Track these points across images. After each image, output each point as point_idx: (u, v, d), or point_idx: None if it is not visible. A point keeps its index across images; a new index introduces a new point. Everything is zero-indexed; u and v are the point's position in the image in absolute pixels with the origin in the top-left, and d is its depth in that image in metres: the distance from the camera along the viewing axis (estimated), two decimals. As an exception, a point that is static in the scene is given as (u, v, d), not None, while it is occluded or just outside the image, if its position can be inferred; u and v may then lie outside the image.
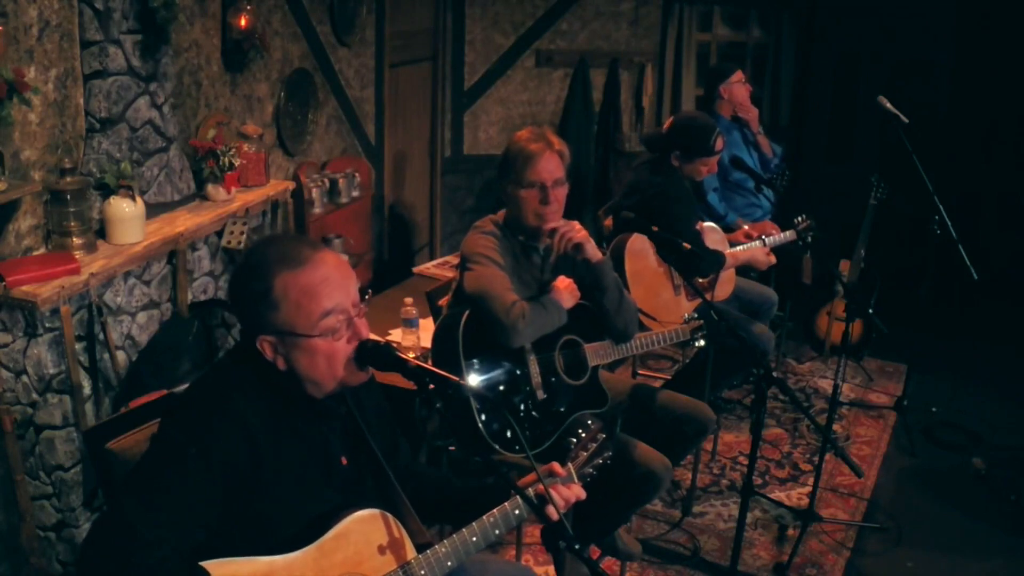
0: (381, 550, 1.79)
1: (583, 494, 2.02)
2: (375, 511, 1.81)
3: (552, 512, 1.90)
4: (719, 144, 3.75)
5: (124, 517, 1.61)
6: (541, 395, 2.79)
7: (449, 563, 1.84)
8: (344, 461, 1.86)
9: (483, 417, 2.64)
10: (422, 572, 1.81)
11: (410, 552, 1.83)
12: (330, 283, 1.74)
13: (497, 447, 2.66)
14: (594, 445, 2.13)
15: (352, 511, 1.77)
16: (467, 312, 2.73)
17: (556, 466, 2.03)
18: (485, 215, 2.95)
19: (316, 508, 1.78)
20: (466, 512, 1.91)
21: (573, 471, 2.09)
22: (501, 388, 2.73)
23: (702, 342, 3.14)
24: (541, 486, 1.92)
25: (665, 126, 3.85)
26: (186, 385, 1.93)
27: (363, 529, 1.78)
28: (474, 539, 1.88)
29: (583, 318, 2.91)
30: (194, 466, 1.64)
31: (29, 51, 2.92)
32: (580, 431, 2.17)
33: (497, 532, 1.91)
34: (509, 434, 2.67)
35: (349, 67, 5.05)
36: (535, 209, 2.79)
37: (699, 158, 3.73)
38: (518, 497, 1.91)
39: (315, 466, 1.80)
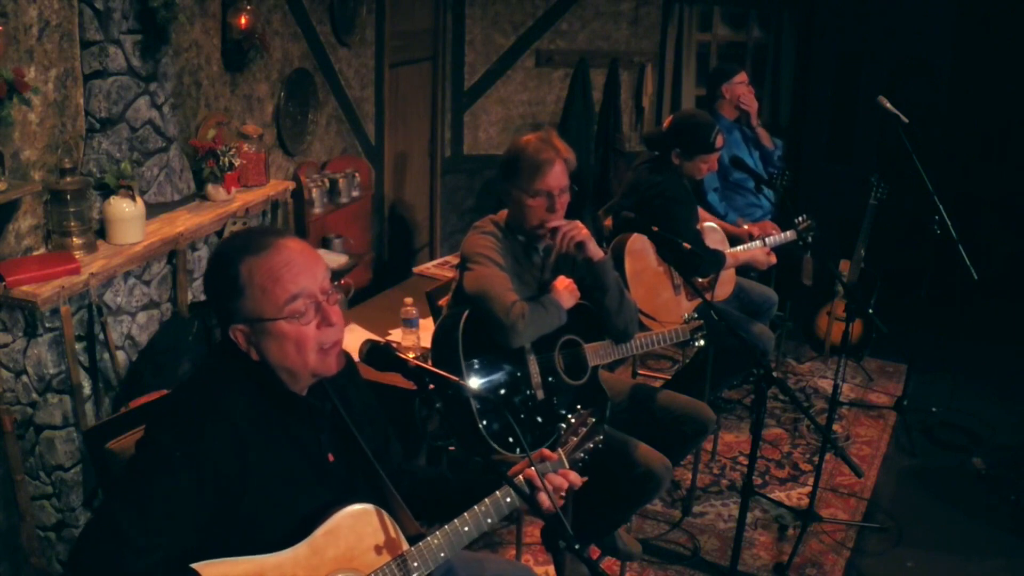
0: (373, 545, 1.79)
1: (578, 480, 2.01)
2: (365, 506, 1.80)
3: (544, 499, 1.90)
4: (719, 141, 3.75)
5: (114, 524, 1.60)
6: (541, 395, 2.79)
7: (442, 554, 1.84)
8: (331, 458, 1.85)
9: (483, 417, 2.64)
10: (415, 564, 1.81)
11: (402, 545, 1.83)
12: (293, 266, 1.74)
13: (497, 447, 2.66)
14: (584, 430, 2.12)
15: (342, 507, 1.77)
16: (466, 312, 2.73)
17: (546, 452, 2.02)
18: (485, 215, 2.95)
19: (306, 506, 1.77)
20: (462, 508, 1.90)
21: (563, 456, 2.07)
22: (501, 388, 2.73)
23: (701, 342, 3.14)
24: (530, 470, 1.91)
25: (665, 124, 3.85)
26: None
27: (354, 524, 1.78)
28: (466, 529, 1.87)
29: (583, 318, 2.91)
30: (183, 469, 1.63)
31: (29, 51, 2.92)
32: (570, 417, 2.17)
33: (489, 521, 1.91)
34: (509, 434, 2.67)
35: (349, 67, 5.05)
36: (542, 217, 2.81)
37: (699, 155, 3.73)
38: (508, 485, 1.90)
39: (303, 463, 1.80)
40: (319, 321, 1.77)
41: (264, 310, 1.73)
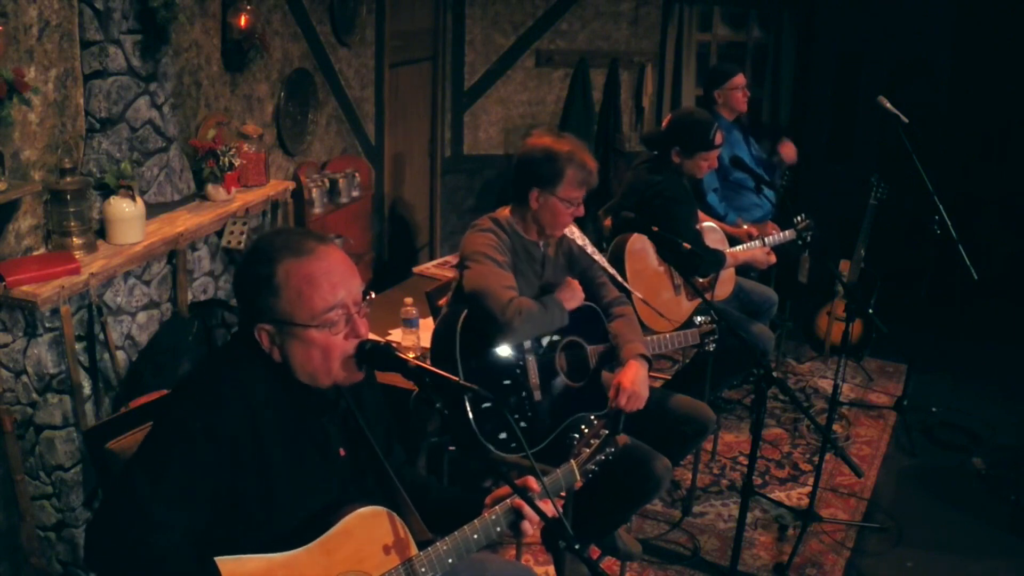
0: (383, 547, 1.80)
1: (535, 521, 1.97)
2: (378, 508, 1.81)
3: (527, 528, 1.91)
4: (718, 138, 3.75)
5: (134, 497, 1.61)
6: (538, 396, 2.78)
7: (450, 560, 1.85)
8: (342, 452, 1.86)
9: (478, 418, 2.64)
10: (423, 570, 1.82)
11: (412, 549, 1.84)
12: (333, 276, 1.75)
13: (491, 448, 2.65)
14: (596, 441, 2.13)
15: (355, 507, 1.78)
16: (465, 311, 2.73)
17: (532, 482, 1.97)
18: (484, 215, 2.96)
19: (315, 498, 1.78)
20: (439, 521, 1.92)
21: (576, 468, 2.08)
22: (498, 389, 2.73)
23: (712, 347, 3.13)
24: (518, 500, 1.91)
25: (664, 123, 3.86)
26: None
27: (366, 526, 1.78)
28: (475, 536, 1.88)
29: (588, 320, 2.90)
30: (201, 442, 1.65)
31: (29, 51, 2.92)
32: (583, 427, 2.17)
33: (498, 530, 1.92)
34: (503, 435, 2.67)
35: (349, 67, 5.05)
36: (565, 221, 2.87)
37: (699, 152, 3.73)
38: (517, 495, 1.91)
39: (314, 455, 1.81)
40: (348, 332, 1.77)
41: (296, 314, 1.73)
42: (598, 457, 2.12)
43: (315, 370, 1.77)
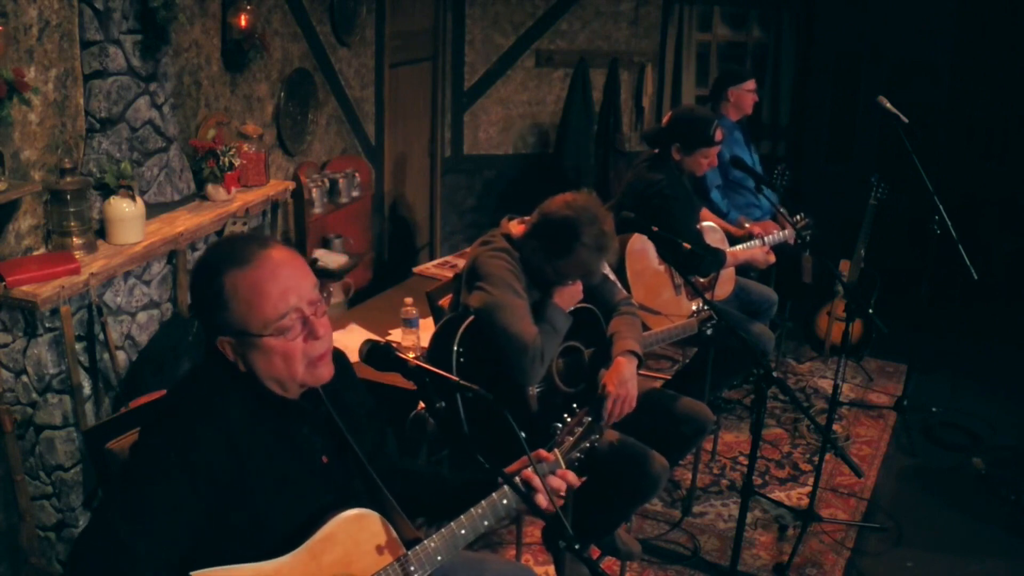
0: (370, 549, 1.78)
1: (576, 480, 2.00)
2: (362, 510, 1.79)
3: (541, 500, 1.89)
4: (718, 134, 3.76)
5: (111, 532, 1.58)
6: (534, 406, 2.76)
7: (439, 557, 1.84)
8: (325, 460, 1.83)
9: (472, 426, 2.62)
10: (412, 568, 1.81)
11: (400, 549, 1.82)
12: (279, 280, 1.70)
13: (482, 461, 2.63)
14: (580, 429, 2.11)
15: (338, 512, 1.76)
16: (466, 323, 2.69)
17: (543, 452, 2.00)
18: (485, 215, 2.92)
19: (302, 509, 1.76)
20: (459, 507, 1.90)
21: (560, 456, 2.06)
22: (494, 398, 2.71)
23: (710, 331, 3.12)
24: (528, 472, 1.90)
25: (664, 120, 3.86)
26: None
27: (350, 529, 1.76)
28: (463, 532, 1.86)
29: (585, 324, 2.88)
30: (177, 473, 1.62)
31: (29, 51, 2.92)
32: (565, 416, 2.15)
33: (486, 523, 1.90)
34: (498, 444, 2.65)
35: (349, 67, 5.05)
36: (573, 295, 2.79)
37: (700, 149, 3.73)
38: (505, 487, 1.90)
39: (297, 466, 1.78)
40: (306, 335, 1.73)
41: (249, 325, 1.69)
42: (583, 445, 2.10)
43: (279, 376, 1.73)
